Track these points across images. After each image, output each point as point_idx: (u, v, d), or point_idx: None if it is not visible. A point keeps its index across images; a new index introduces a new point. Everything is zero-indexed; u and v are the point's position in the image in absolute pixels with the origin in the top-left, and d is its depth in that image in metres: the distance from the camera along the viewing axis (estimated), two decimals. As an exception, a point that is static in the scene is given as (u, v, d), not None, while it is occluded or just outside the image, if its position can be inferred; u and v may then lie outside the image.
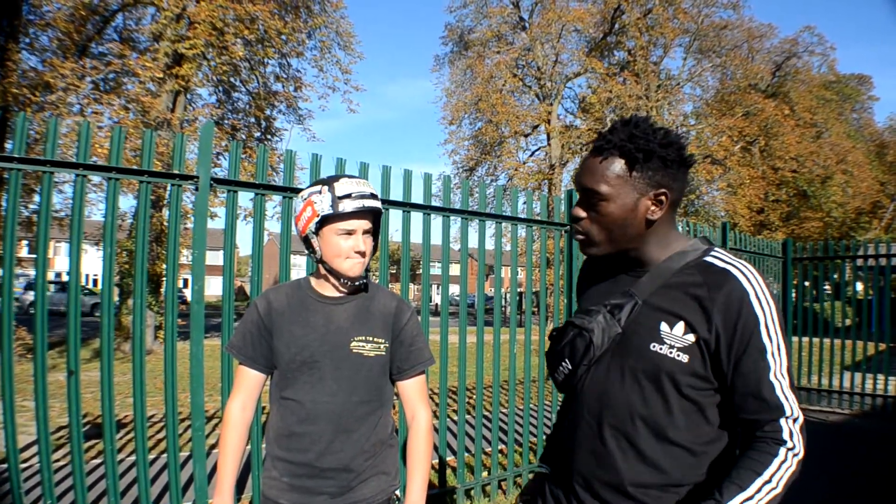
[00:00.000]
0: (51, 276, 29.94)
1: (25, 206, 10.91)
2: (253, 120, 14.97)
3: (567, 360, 1.29)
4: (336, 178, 1.61)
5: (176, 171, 2.81)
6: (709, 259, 1.22)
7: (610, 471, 1.22)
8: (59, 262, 39.68)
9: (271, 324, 1.64)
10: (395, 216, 3.55)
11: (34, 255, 2.58)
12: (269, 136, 15.24)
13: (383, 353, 1.66)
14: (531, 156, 22.08)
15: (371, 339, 1.64)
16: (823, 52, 28.94)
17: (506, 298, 13.67)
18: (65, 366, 2.56)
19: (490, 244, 4.84)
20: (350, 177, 1.62)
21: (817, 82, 28.43)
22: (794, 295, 8.06)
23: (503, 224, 4.06)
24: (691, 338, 1.16)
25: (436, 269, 27.84)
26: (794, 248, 7.81)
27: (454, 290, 37.09)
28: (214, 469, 1.72)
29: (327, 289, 1.67)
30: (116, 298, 9.43)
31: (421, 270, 4.26)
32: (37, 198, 9.88)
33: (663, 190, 1.21)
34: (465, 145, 21.83)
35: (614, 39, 21.32)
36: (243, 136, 14.37)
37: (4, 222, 2.52)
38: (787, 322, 7.21)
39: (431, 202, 3.65)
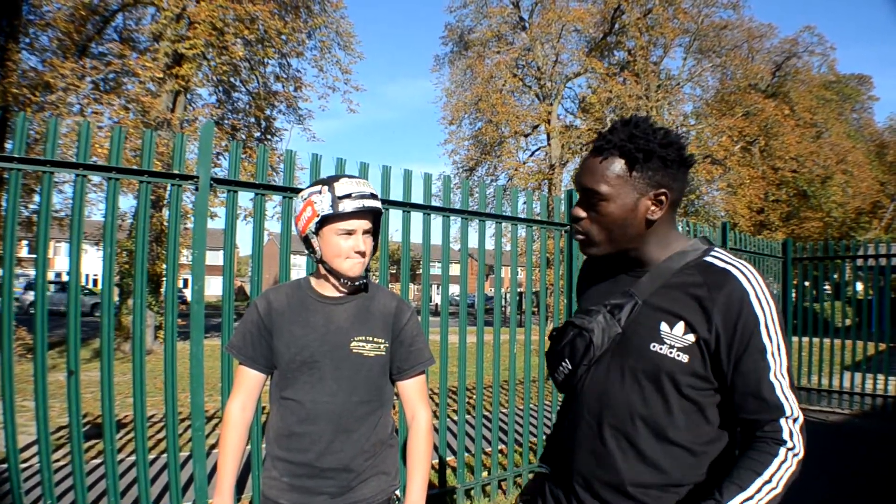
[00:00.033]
0: (51, 276, 29.93)
1: (25, 206, 10.91)
2: (253, 120, 14.97)
3: (567, 360, 1.29)
4: (336, 178, 1.61)
5: (176, 171, 2.81)
6: (709, 259, 1.22)
7: (610, 471, 1.22)
8: (59, 262, 39.67)
9: (271, 324, 1.64)
10: (395, 216, 3.55)
11: (34, 255, 2.58)
12: (269, 136, 15.24)
13: (383, 353, 1.66)
14: (531, 156, 22.10)
15: (371, 339, 1.64)
16: (823, 52, 29.01)
17: (506, 298, 13.66)
18: (65, 366, 2.56)
19: (490, 244, 4.84)
20: (350, 177, 1.63)
21: (817, 82, 28.42)
22: (794, 295, 8.06)
23: (503, 224, 4.06)
24: (691, 338, 1.16)
25: (436, 269, 27.82)
26: (794, 248, 7.80)
27: (454, 290, 37.08)
28: (214, 469, 1.72)
29: (327, 289, 1.67)
30: (116, 298, 9.43)
31: (421, 270, 4.26)
32: (37, 198, 9.87)
33: (663, 190, 1.21)
34: (465, 145, 21.86)
35: (614, 39, 21.33)
36: (243, 136, 14.37)
37: (4, 222, 2.52)
38: (787, 322, 7.20)
39: (431, 202, 3.65)
